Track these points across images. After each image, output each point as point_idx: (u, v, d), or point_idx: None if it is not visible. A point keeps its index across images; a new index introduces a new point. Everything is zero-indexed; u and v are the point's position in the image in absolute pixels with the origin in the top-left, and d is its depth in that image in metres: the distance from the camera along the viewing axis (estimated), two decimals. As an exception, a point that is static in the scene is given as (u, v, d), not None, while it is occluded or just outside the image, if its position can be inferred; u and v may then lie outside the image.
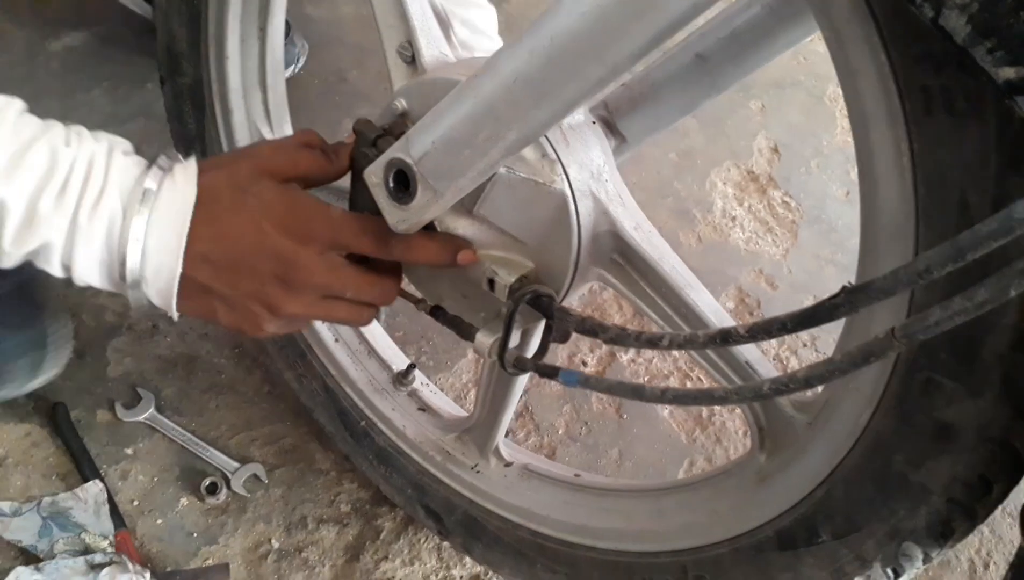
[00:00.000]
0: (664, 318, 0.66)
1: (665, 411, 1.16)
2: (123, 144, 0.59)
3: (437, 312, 0.69)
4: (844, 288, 0.43)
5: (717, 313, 0.64)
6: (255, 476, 1.05)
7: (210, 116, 0.98)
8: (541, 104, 0.49)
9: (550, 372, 0.60)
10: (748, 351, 0.63)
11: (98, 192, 0.55)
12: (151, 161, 0.58)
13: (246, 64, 0.95)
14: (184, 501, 1.02)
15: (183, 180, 0.58)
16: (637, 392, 0.55)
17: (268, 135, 0.98)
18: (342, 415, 1.00)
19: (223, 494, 1.02)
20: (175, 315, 0.60)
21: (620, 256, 0.66)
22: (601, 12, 0.44)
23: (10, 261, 0.55)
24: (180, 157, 0.60)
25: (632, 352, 1.21)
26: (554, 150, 0.61)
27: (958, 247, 0.38)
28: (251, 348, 1.16)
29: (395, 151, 0.58)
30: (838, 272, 1.34)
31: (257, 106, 0.98)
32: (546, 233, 0.62)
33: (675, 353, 1.22)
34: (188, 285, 0.58)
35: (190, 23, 0.92)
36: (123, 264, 0.56)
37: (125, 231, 0.55)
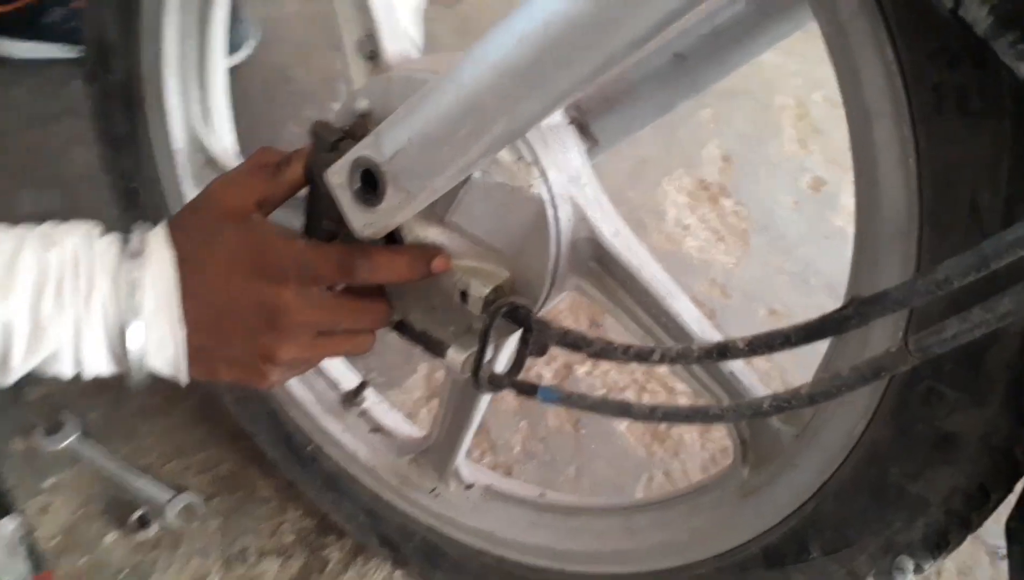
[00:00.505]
0: (645, 329, 0.63)
1: (623, 425, 1.13)
2: (93, 226, 0.57)
3: (402, 328, 0.64)
4: (854, 299, 0.40)
5: (699, 322, 0.62)
6: (190, 506, 0.97)
7: (143, 116, 0.91)
8: (531, 96, 0.45)
9: (528, 389, 0.56)
10: (732, 362, 0.60)
11: (88, 282, 0.53)
12: (124, 235, 0.56)
13: (183, 60, 0.89)
14: (111, 536, 0.93)
15: (159, 247, 0.55)
16: (624, 410, 0.51)
17: (207, 137, 0.91)
18: (287, 439, 0.94)
19: (155, 527, 0.94)
20: (186, 379, 0.57)
21: (598, 264, 0.62)
22: (601, -5, 0.40)
23: (15, 377, 0.54)
24: (146, 227, 0.58)
25: (589, 364, 1.18)
26: (532, 152, 0.57)
27: (982, 255, 0.35)
28: (185, 367, 1.08)
29: (362, 149, 0.54)
30: (788, 280, 1.35)
31: (195, 105, 0.91)
32: (523, 241, 0.58)
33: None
34: (191, 350, 0.56)
35: (123, 14, 0.85)
36: (124, 343, 0.54)
37: (121, 310, 0.53)
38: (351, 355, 0.86)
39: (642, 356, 0.49)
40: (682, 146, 1.56)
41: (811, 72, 1.79)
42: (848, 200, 1.54)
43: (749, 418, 0.50)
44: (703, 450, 1.13)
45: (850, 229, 1.59)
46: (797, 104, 1.72)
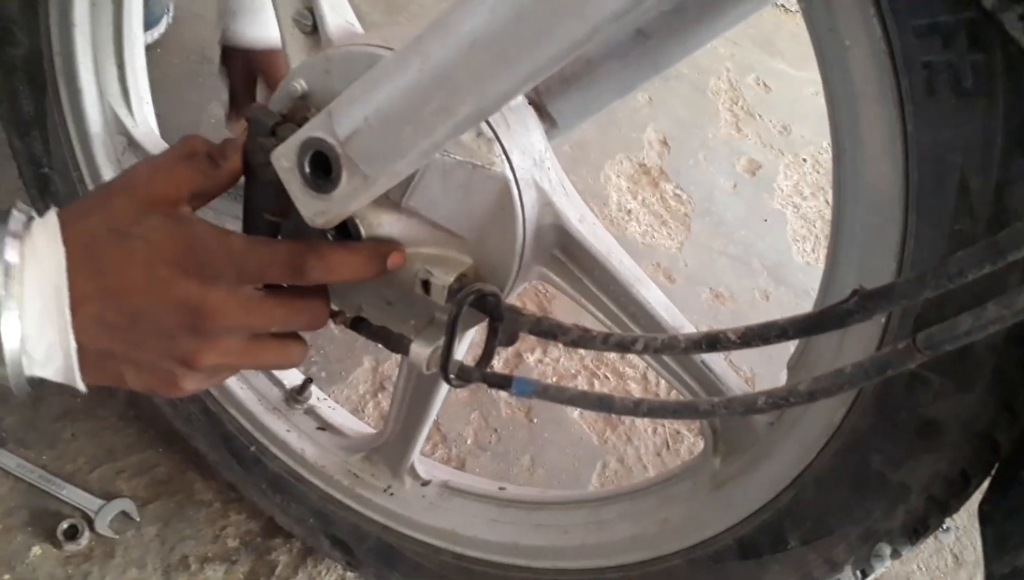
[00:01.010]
0: (611, 317, 0.60)
1: (575, 413, 1.11)
2: None
3: (359, 324, 0.60)
4: (856, 292, 0.38)
5: (668, 310, 0.60)
6: (124, 514, 0.91)
7: (53, 96, 0.83)
8: (504, 71, 0.42)
9: (501, 382, 0.53)
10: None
11: None
12: (1, 220, 0.47)
13: (98, 34, 0.81)
14: (37, 550, 0.86)
15: (45, 241, 0.48)
16: (605, 403, 0.49)
17: (127, 119, 0.84)
18: (227, 440, 0.88)
19: (85, 538, 0.87)
20: (83, 388, 0.50)
21: (562, 252, 0.60)
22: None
23: None
24: (32, 211, 0.49)
25: (539, 352, 1.16)
26: (492, 130, 0.54)
27: (997, 247, 0.34)
28: (111, 366, 1.01)
29: (313, 129, 0.49)
30: (730, 263, 1.35)
31: (112, 84, 0.84)
32: (486, 224, 0.55)
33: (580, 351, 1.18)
34: (87, 355, 0.49)
35: (24, -19, 0.78)
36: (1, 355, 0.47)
37: None
38: (278, 367, 0.81)
39: (623, 345, 0.47)
40: (621, 130, 1.55)
41: (743, 56, 1.81)
42: (784, 183, 1.56)
43: (742, 415, 0.48)
44: (655, 435, 1.12)
45: (787, 212, 1.61)
46: (730, 87, 1.74)
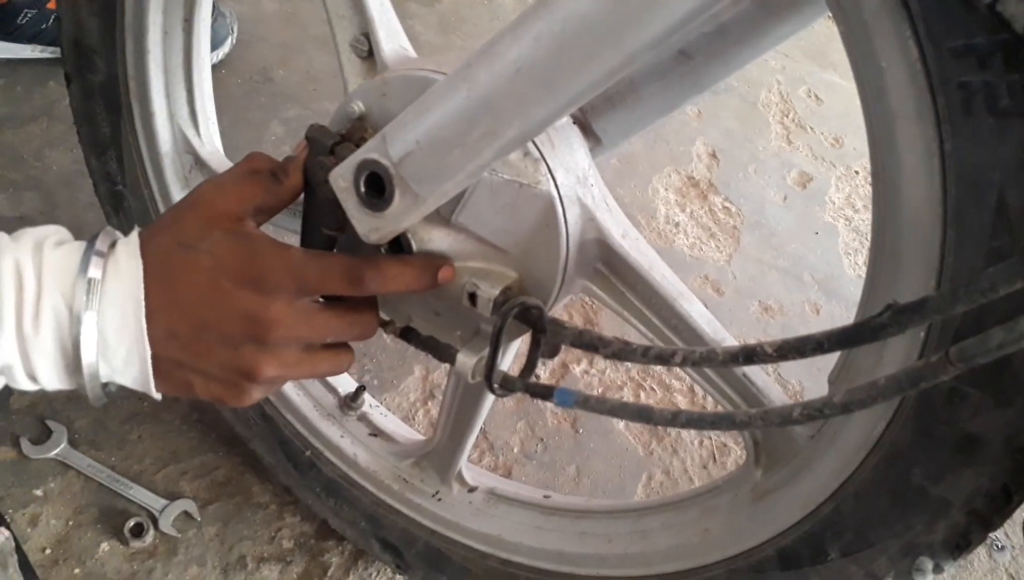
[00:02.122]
0: (653, 330, 0.62)
1: (621, 424, 1.13)
2: (54, 233, 0.52)
3: (408, 334, 0.63)
4: (890, 306, 0.39)
5: (710, 324, 0.61)
6: (186, 514, 0.95)
7: (127, 118, 0.89)
8: (547, 96, 0.44)
9: (543, 392, 0.55)
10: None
11: (35, 299, 0.49)
12: (90, 241, 0.51)
13: (169, 60, 0.86)
14: (105, 546, 0.91)
15: (126, 257, 0.51)
16: (644, 414, 0.50)
17: (194, 139, 0.89)
18: (283, 445, 0.92)
19: (150, 536, 0.92)
20: (157, 396, 0.54)
21: (606, 266, 0.61)
22: (624, -7, 0.39)
23: None
24: (118, 234, 0.53)
25: (585, 363, 1.17)
26: (538, 150, 0.56)
27: (1028, 263, 0.35)
28: (175, 372, 1.06)
29: (368, 151, 0.52)
30: (780, 276, 1.35)
31: (182, 107, 0.89)
32: (531, 239, 0.57)
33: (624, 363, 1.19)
34: (160, 364, 0.52)
35: (103, 13, 0.83)
36: (79, 359, 0.50)
37: (75, 331, 0.49)
38: (330, 375, 0.83)
39: (663, 358, 0.48)
40: (669, 143, 1.55)
41: (795, 68, 1.80)
42: (836, 195, 1.55)
43: (778, 426, 0.49)
44: (702, 447, 1.13)
45: (839, 225, 1.60)
46: (781, 100, 1.73)
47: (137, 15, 0.81)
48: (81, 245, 0.51)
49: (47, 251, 0.50)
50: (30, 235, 0.51)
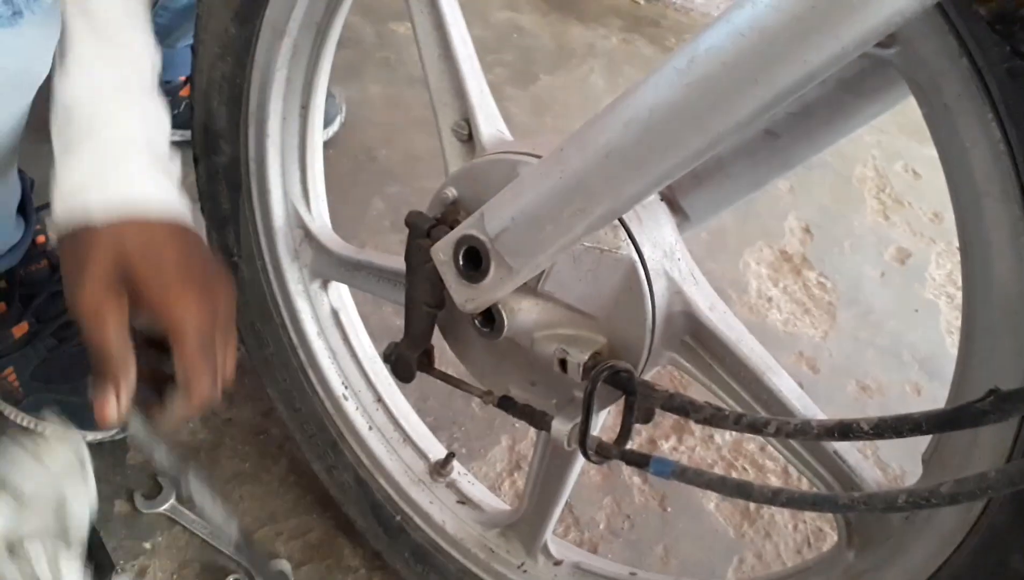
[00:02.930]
0: (742, 404, 0.62)
1: (711, 504, 1.10)
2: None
3: (506, 403, 0.65)
4: (992, 391, 0.39)
5: (800, 399, 0.61)
6: (281, 573, 0.98)
7: (246, 196, 0.97)
8: (635, 177, 0.47)
9: (639, 460, 0.55)
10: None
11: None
12: None
13: (286, 142, 0.94)
14: (205, 601, 0.95)
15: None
16: (743, 490, 0.50)
17: (305, 214, 0.96)
18: (375, 509, 0.95)
19: (247, 593, 0.95)
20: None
21: (693, 338, 0.62)
22: (706, 83, 0.42)
23: None
24: None
25: (673, 439, 1.16)
26: (622, 222, 0.58)
27: None
28: (277, 435, 1.11)
29: (467, 228, 0.56)
30: (878, 354, 1.31)
31: (295, 185, 0.96)
32: (616, 304, 0.59)
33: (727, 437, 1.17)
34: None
35: (231, 102, 0.92)
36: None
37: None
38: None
39: (755, 426, 0.49)
40: (761, 218, 1.55)
41: (890, 143, 1.78)
42: (936, 272, 1.50)
43: (882, 511, 0.48)
44: (796, 531, 1.09)
45: (940, 302, 1.54)
46: (877, 175, 1.71)
47: (260, 103, 0.90)
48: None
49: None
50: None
